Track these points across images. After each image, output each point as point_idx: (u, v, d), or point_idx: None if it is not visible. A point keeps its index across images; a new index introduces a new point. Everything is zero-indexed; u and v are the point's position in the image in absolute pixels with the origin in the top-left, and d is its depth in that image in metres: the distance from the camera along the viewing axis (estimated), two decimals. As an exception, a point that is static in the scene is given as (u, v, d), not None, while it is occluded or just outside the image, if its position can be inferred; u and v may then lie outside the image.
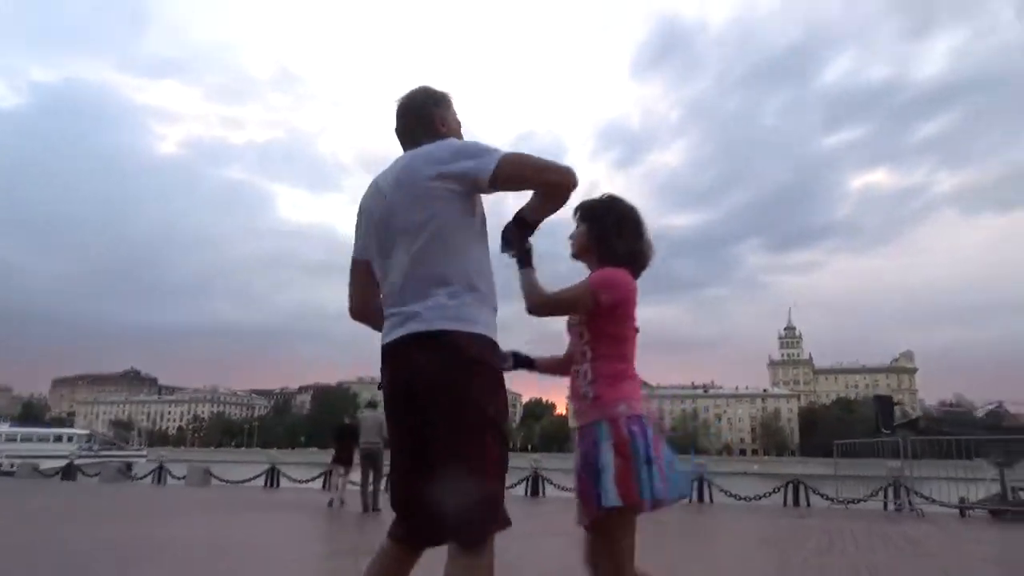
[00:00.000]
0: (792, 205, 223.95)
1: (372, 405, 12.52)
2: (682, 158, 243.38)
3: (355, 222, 2.21)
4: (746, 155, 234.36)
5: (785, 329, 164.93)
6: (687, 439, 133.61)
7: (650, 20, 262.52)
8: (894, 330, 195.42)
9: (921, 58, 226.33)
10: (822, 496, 15.09)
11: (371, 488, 11.46)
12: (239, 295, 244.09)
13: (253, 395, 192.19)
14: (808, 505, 14.98)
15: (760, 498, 15.43)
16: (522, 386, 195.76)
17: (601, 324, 2.28)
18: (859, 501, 14.66)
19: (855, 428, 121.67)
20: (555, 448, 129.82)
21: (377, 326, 2.09)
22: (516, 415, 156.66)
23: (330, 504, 12.24)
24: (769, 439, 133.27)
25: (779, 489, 15.44)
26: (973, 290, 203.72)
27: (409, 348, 1.92)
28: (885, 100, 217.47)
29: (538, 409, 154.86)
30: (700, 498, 15.84)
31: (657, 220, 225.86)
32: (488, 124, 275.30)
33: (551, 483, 17.67)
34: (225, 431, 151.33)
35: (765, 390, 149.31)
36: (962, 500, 13.03)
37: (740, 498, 15.60)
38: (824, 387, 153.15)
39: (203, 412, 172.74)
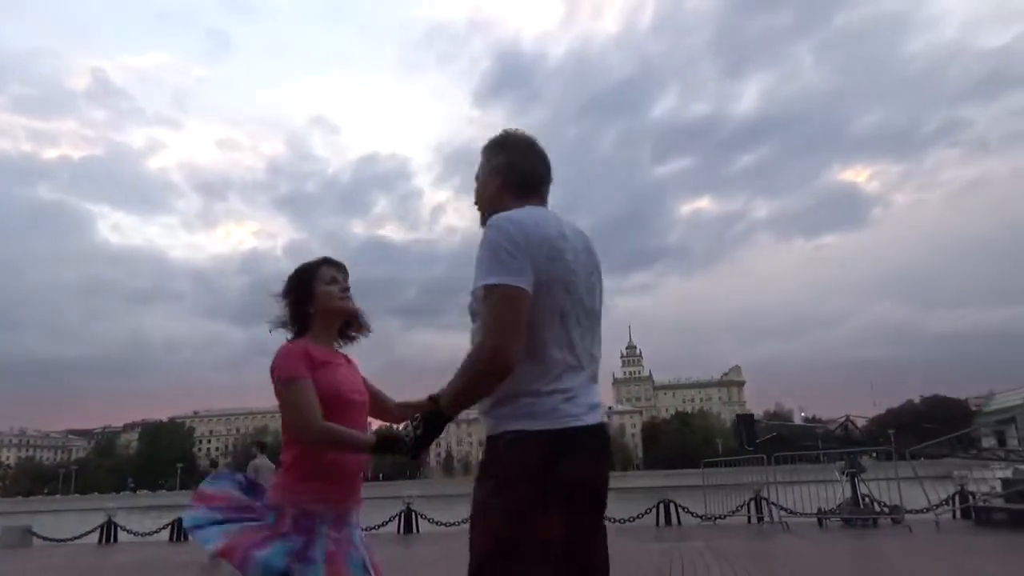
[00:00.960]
0: (628, 230, 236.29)
1: (262, 448, 11.48)
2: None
3: (524, 241, 1.72)
4: (586, 183, 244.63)
5: (627, 348, 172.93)
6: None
7: (491, 51, 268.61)
8: (723, 346, 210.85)
9: (737, 97, 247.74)
10: (692, 514, 15.62)
11: None
12: (49, 326, 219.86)
13: (69, 436, 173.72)
14: (679, 524, 15.46)
15: (634, 519, 15.74)
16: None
17: None
18: (726, 516, 15.32)
19: (692, 440, 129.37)
20: (407, 476, 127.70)
21: (497, 383, 1.69)
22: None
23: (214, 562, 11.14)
24: (616, 454, 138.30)
25: (651, 510, 15.82)
26: (787, 307, 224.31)
27: (607, 439, 1.84)
28: (708, 134, 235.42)
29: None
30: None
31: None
32: (327, 144, 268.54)
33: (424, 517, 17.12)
34: (36, 478, 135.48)
35: (610, 407, 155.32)
36: (819, 510, 13.95)
37: (614, 520, 15.82)
38: (663, 402, 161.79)
39: (8, 457, 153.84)
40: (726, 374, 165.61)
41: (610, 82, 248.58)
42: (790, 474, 15.66)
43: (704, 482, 16.52)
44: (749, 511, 15.23)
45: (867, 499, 13.66)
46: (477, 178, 2.06)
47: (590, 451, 1.72)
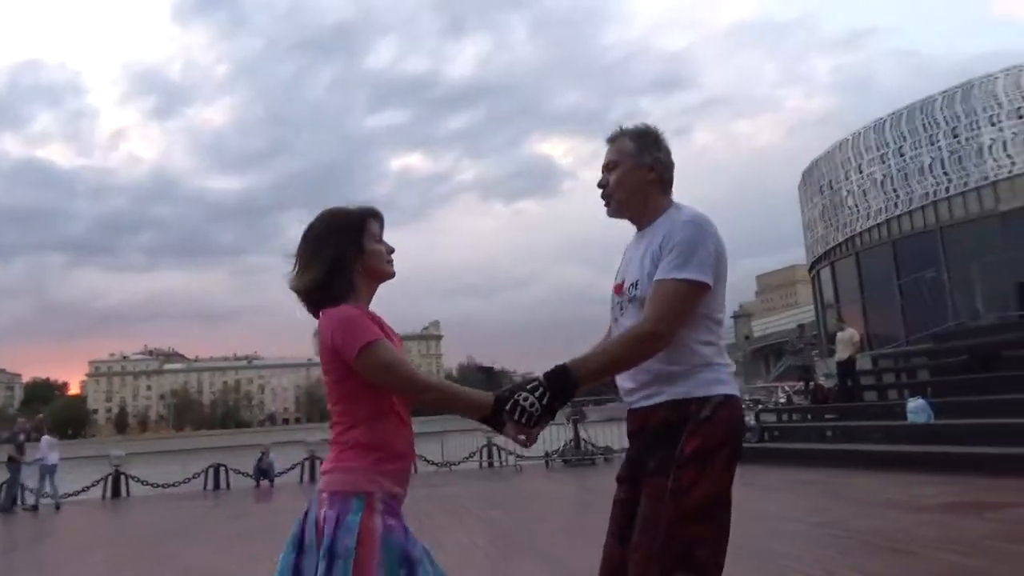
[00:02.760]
0: (337, 179, 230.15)
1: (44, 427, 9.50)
2: (228, 117, 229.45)
3: (719, 243, 1.96)
4: (295, 124, 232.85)
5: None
6: (230, 414, 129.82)
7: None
8: (424, 300, 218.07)
9: (454, 58, 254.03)
10: (427, 461, 16.25)
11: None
12: None
13: None
14: (415, 471, 16.00)
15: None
16: (22, 366, 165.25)
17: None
18: (460, 462, 16.21)
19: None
20: (69, 435, 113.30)
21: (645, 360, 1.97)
22: (16, 399, 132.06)
23: None
24: (313, 407, 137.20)
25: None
26: (486, 267, 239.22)
27: None
28: (422, 91, 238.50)
29: (45, 391, 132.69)
30: (300, 480, 15.66)
31: (199, 181, 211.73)
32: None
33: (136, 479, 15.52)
34: None
35: (310, 359, 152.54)
36: (545, 453, 15.46)
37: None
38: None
39: None
40: (425, 328, 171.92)
41: (327, 22, 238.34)
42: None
43: (443, 429, 17.25)
44: (481, 456, 16.29)
45: (586, 442, 15.46)
46: (615, 164, 2.08)
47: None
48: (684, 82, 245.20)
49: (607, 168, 2.10)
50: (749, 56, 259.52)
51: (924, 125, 19.18)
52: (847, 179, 20.44)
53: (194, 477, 15.54)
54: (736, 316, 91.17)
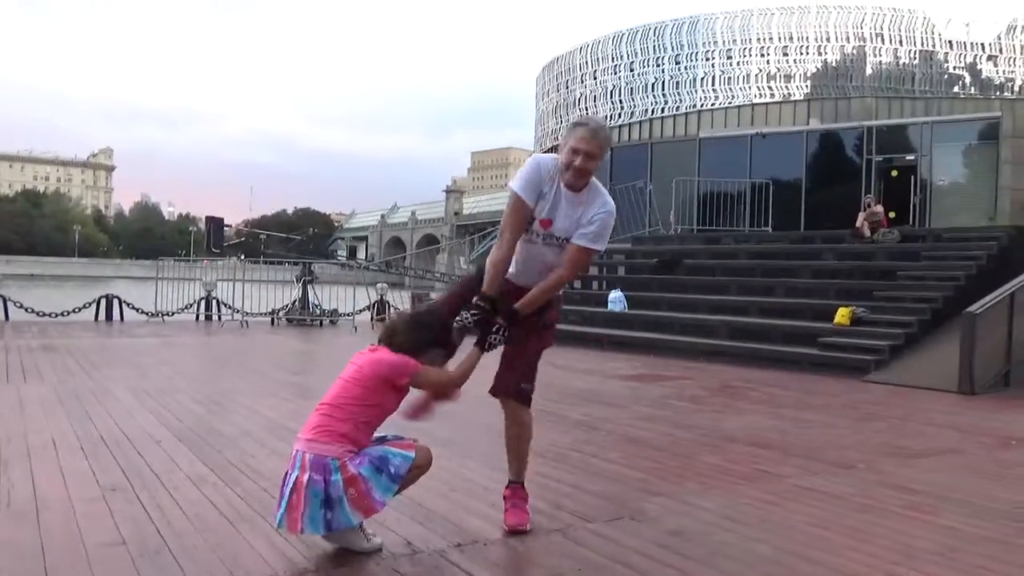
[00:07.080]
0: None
1: None
2: None
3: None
4: None
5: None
6: None
7: None
8: (93, 123, 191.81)
9: None
10: (138, 311, 15.83)
11: None
12: None
13: None
14: (122, 320, 15.56)
15: (70, 313, 15.15)
16: None
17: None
18: (174, 313, 16.05)
19: (42, 225, 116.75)
20: None
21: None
22: None
23: None
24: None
25: (92, 304, 15.43)
26: (173, 90, 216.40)
27: None
28: None
29: None
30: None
31: None
32: None
33: None
34: None
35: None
36: (272, 310, 16.03)
37: (46, 314, 14.93)
38: (8, 176, 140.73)
39: None
40: (94, 155, 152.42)
41: None
42: (241, 273, 17.19)
43: (158, 275, 16.77)
44: (198, 309, 16.28)
45: (314, 305, 16.29)
46: (598, 156, 2.98)
47: None
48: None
49: (591, 157, 2.95)
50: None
51: (654, 47, 22.10)
52: (582, 83, 23.08)
53: None
54: (448, 191, 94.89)
